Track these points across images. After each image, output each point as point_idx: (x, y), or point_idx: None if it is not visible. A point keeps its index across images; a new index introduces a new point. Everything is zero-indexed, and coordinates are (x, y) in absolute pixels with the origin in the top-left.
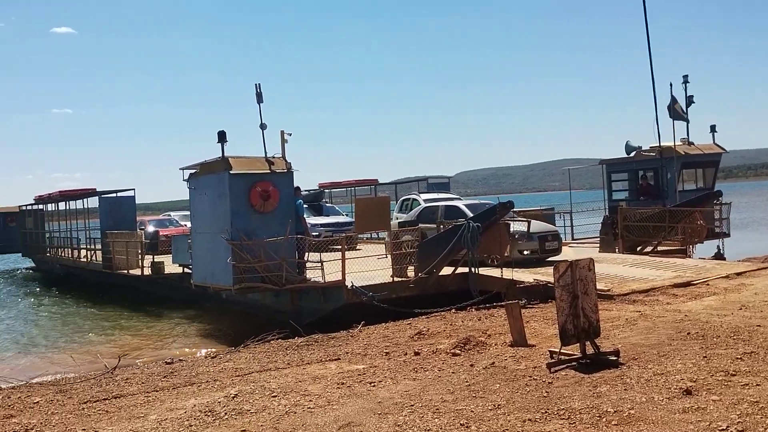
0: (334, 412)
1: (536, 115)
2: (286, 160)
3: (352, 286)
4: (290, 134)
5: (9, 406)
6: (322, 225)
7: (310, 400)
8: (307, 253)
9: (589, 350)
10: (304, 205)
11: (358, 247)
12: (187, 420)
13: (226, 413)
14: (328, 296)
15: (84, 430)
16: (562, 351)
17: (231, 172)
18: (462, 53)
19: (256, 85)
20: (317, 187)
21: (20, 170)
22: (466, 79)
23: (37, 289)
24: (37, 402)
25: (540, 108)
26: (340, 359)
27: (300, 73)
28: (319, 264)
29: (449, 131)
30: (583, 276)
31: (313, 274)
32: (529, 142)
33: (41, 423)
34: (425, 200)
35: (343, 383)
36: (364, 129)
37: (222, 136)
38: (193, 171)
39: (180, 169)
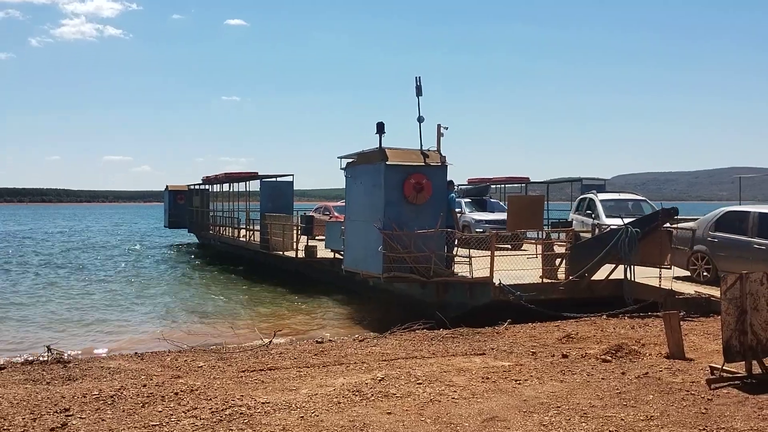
0: (478, 404)
1: (703, 118)
2: (440, 154)
3: (500, 283)
4: (446, 128)
5: (177, 367)
6: (486, 221)
7: (455, 391)
8: (456, 248)
9: (756, 370)
10: (467, 200)
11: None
12: (336, 397)
13: (372, 395)
14: (474, 292)
15: (242, 396)
16: (724, 368)
17: (387, 163)
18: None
19: (416, 78)
20: (466, 182)
21: (193, 153)
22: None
23: (200, 263)
24: (201, 366)
25: (708, 109)
26: (485, 354)
27: (461, 70)
28: (468, 259)
29: (606, 132)
30: (754, 290)
31: (460, 269)
32: (694, 146)
33: (204, 386)
34: (602, 200)
35: (487, 378)
36: (517, 125)
37: (380, 128)
38: (350, 160)
39: (338, 157)
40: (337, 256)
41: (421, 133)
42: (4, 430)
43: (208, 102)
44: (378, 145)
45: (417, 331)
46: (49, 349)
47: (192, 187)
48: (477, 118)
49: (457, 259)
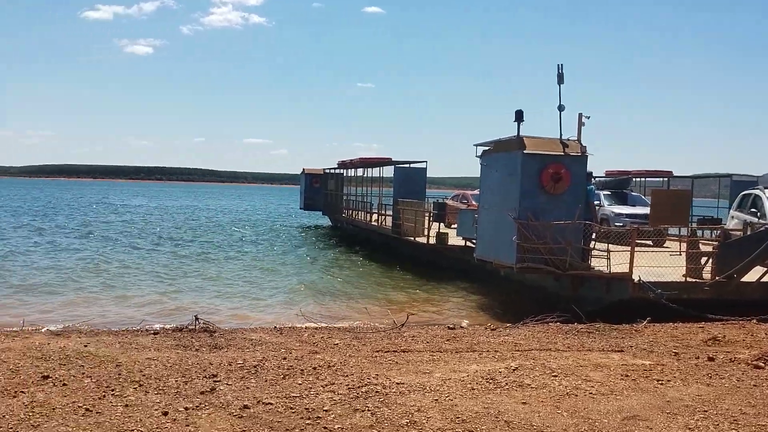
0: (617, 402)
1: None
2: (581, 144)
3: (639, 280)
4: (588, 117)
5: (314, 343)
6: (627, 215)
7: (592, 386)
8: (593, 241)
9: None
10: (607, 193)
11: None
12: (470, 383)
13: (507, 383)
14: (611, 287)
15: (377, 375)
16: None
17: (524, 151)
18: None
19: (558, 65)
20: (603, 175)
21: (327, 137)
22: None
23: (333, 245)
24: (337, 344)
25: None
26: (623, 351)
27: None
28: (605, 253)
29: (761, 126)
30: None
31: (597, 263)
32: None
33: (341, 363)
34: None
35: (627, 375)
36: (660, 116)
37: (519, 116)
38: (486, 148)
39: (474, 145)
40: (469, 244)
41: (561, 122)
42: (160, 390)
43: (343, 88)
44: (516, 134)
45: (551, 324)
46: (197, 319)
47: (327, 171)
48: (618, 109)
49: (594, 252)
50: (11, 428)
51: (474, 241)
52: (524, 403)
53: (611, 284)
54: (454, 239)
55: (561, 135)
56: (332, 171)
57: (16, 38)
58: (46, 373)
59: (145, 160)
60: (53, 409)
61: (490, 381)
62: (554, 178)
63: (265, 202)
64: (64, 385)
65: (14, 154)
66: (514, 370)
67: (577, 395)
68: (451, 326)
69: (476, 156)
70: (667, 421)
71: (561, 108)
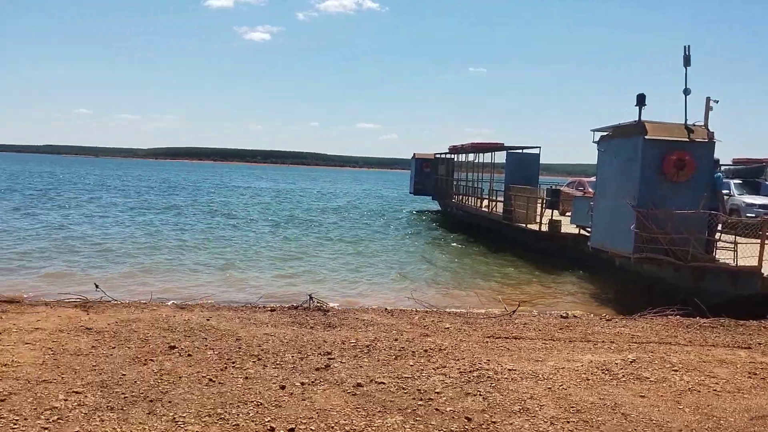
0: (744, 401)
1: None
2: (708, 130)
3: None
4: (716, 101)
5: (425, 326)
6: (759, 205)
7: (716, 383)
8: (718, 232)
9: None
10: (737, 181)
11: None
12: (585, 374)
13: (623, 375)
14: (738, 281)
15: (488, 360)
16: None
17: (645, 137)
18: None
19: (685, 47)
20: (730, 162)
21: (437, 122)
22: None
23: (443, 230)
24: (447, 328)
25: None
26: (750, 348)
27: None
28: (732, 244)
29: None
30: None
31: (722, 255)
32: None
33: (452, 347)
34: None
35: (755, 374)
36: None
37: (641, 99)
38: (604, 134)
39: (591, 130)
40: (583, 232)
41: (687, 106)
42: (277, 364)
43: (455, 73)
44: (637, 118)
45: (670, 317)
46: (311, 298)
47: (438, 155)
48: (749, 94)
49: (719, 244)
50: (142, 393)
51: (588, 229)
52: (642, 397)
53: (738, 278)
54: (568, 227)
55: (686, 120)
56: (443, 156)
57: (143, 27)
58: (172, 344)
59: (262, 144)
60: (180, 377)
61: (606, 372)
62: (677, 165)
63: (376, 186)
64: (189, 355)
65: (141, 137)
66: (631, 362)
67: (699, 391)
68: (564, 315)
69: (593, 142)
70: None
71: (687, 92)
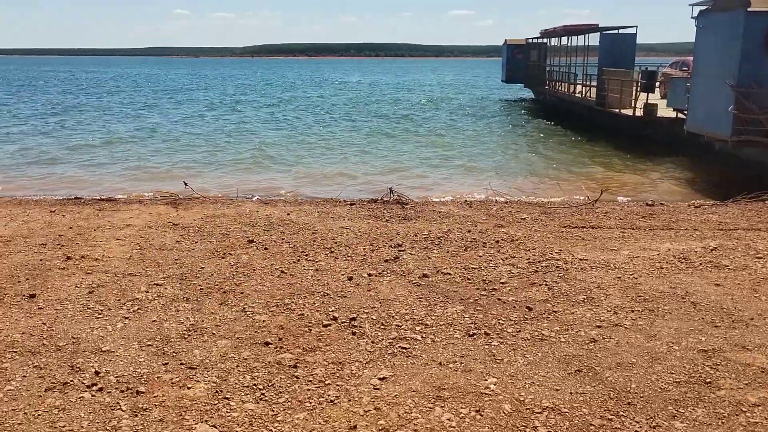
0: None
1: None
2: None
3: None
4: None
5: (501, 217)
6: None
7: None
8: None
9: None
10: None
11: None
12: (659, 262)
13: (701, 263)
14: None
15: (560, 251)
16: None
17: (749, 9)
18: None
19: None
20: None
21: (535, 5)
22: None
23: (533, 118)
24: (524, 218)
25: None
26: None
27: None
28: None
29: None
30: None
31: None
32: None
33: (524, 237)
34: None
35: None
36: None
37: None
38: (704, 8)
39: (690, 5)
40: (680, 115)
41: None
42: (348, 257)
43: None
44: None
45: (766, 202)
46: (391, 191)
47: (530, 41)
48: None
49: None
50: (217, 284)
51: (686, 112)
52: (717, 285)
53: None
54: (664, 110)
55: None
56: (535, 41)
57: None
58: (251, 238)
59: (355, 37)
60: (254, 270)
61: (683, 260)
62: None
63: (469, 75)
64: (266, 249)
65: (235, 36)
66: (712, 249)
67: None
68: (650, 203)
69: (691, 18)
70: None
71: None
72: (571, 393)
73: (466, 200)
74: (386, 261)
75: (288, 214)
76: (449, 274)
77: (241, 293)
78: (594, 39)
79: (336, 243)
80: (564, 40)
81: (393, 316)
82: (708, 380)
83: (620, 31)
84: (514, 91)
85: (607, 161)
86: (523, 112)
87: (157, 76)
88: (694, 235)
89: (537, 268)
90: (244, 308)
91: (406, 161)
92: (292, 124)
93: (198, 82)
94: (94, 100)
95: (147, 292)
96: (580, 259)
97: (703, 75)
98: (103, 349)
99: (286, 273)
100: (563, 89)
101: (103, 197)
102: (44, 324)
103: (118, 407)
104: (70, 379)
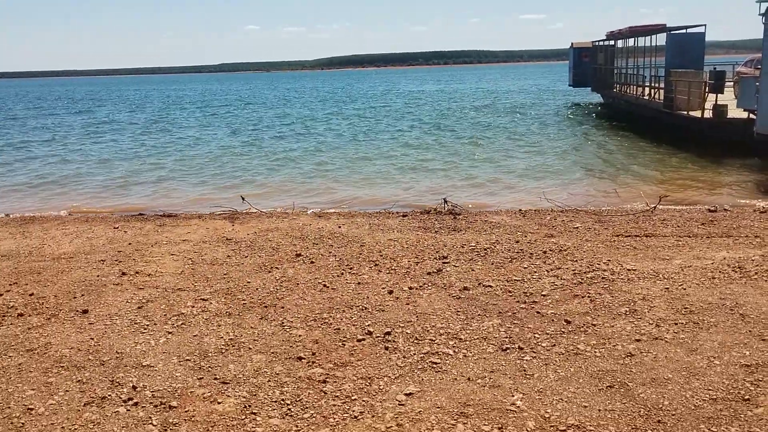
0: None
1: None
2: None
3: None
4: None
5: (553, 226)
6: None
7: None
8: None
9: None
10: None
11: None
12: (712, 272)
13: (756, 273)
14: None
15: (609, 261)
16: None
17: None
18: None
19: None
20: None
21: (608, 5)
22: None
23: (601, 122)
24: (577, 227)
25: None
26: None
27: None
28: None
29: None
30: None
31: None
32: None
33: (574, 247)
34: None
35: None
36: None
37: None
38: None
39: (756, 1)
40: (752, 116)
41: None
42: (391, 269)
43: None
44: None
45: None
46: (445, 201)
47: (597, 43)
48: None
49: None
50: (260, 299)
51: (756, 112)
52: None
53: None
54: (736, 111)
55: None
56: (602, 43)
57: None
58: (299, 251)
59: (425, 45)
60: (297, 284)
61: (737, 270)
62: None
63: (539, 80)
64: (312, 262)
65: (307, 49)
66: None
67: None
68: (712, 208)
69: (759, 14)
70: None
71: None
72: (599, 410)
73: (520, 209)
74: (429, 273)
75: (339, 227)
76: (490, 286)
77: (282, 307)
78: (663, 39)
79: (382, 256)
80: (631, 41)
81: (428, 330)
82: (747, 397)
83: (689, 30)
84: (583, 95)
85: (673, 166)
86: (592, 115)
87: (241, 90)
88: (754, 243)
89: (582, 279)
90: (283, 323)
91: (471, 168)
92: (367, 132)
93: (295, 96)
94: (184, 116)
95: (193, 306)
96: (629, 270)
97: None
98: (144, 363)
99: (328, 287)
100: (631, 92)
101: (165, 213)
102: (92, 339)
103: (150, 422)
104: (109, 393)
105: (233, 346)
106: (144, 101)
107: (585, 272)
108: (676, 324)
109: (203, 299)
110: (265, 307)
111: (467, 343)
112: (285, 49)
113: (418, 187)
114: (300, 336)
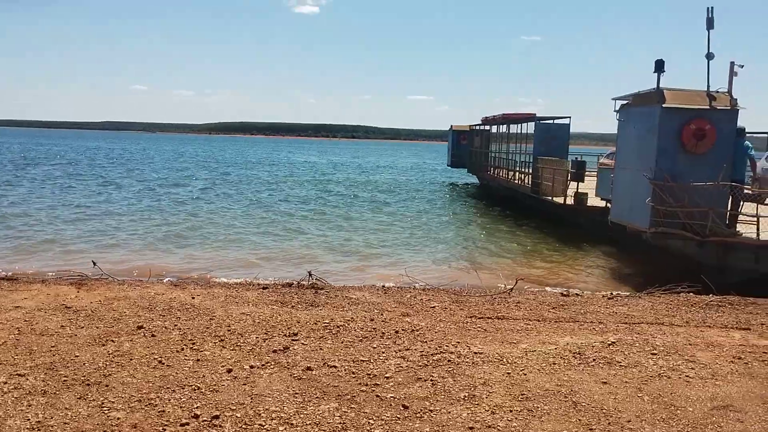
0: (714, 388)
1: None
2: (731, 96)
3: None
4: (741, 66)
5: (411, 305)
6: None
7: (692, 368)
8: (741, 205)
9: None
10: None
11: None
12: (553, 357)
13: (594, 359)
14: (760, 257)
15: (458, 343)
16: None
17: (663, 105)
18: None
19: (708, 9)
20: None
21: (491, 93)
22: None
23: (473, 203)
24: (434, 307)
25: None
26: (749, 329)
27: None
28: (755, 218)
29: None
30: None
31: (747, 229)
32: None
33: (426, 327)
34: None
35: (740, 358)
36: None
37: (659, 66)
38: (624, 102)
39: (612, 99)
40: (608, 205)
41: (710, 72)
42: (236, 345)
43: (507, 42)
44: (655, 86)
45: (680, 294)
46: (310, 275)
47: (474, 127)
48: None
49: (744, 218)
50: (84, 376)
51: (611, 202)
52: (604, 383)
53: (760, 253)
54: (595, 200)
55: (708, 87)
56: (478, 127)
57: (193, 3)
58: (142, 324)
59: (314, 117)
60: (130, 359)
61: (577, 356)
62: (697, 135)
63: (421, 158)
64: (153, 336)
65: (196, 112)
66: (609, 345)
67: (669, 377)
68: (565, 292)
69: (614, 111)
70: (765, 413)
71: (709, 56)
72: None
73: (383, 285)
74: (275, 351)
75: (192, 298)
76: (335, 366)
77: (107, 386)
78: (533, 127)
79: (230, 330)
80: (504, 127)
81: (260, 414)
82: None
83: (555, 120)
84: (460, 176)
85: (535, 249)
86: (466, 196)
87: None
88: (597, 329)
89: (428, 361)
90: (103, 403)
91: (342, 242)
92: (251, 203)
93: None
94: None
95: (5, 383)
96: (475, 353)
97: (625, 167)
98: None
99: (163, 363)
100: (503, 175)
101: (5, 276)
102: None
103: None
104: None
105: (38, 430)
106: None
107: (432, 354)
108: (511, 411)
109: (20, 374)
110: (88, 385)
111: (298, 429)
112: (174, 112)
113: (284, 257)
114: (118, 419)
